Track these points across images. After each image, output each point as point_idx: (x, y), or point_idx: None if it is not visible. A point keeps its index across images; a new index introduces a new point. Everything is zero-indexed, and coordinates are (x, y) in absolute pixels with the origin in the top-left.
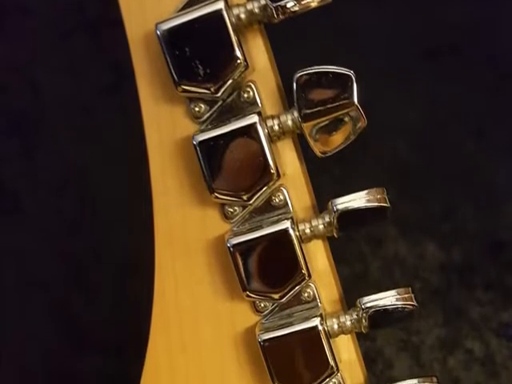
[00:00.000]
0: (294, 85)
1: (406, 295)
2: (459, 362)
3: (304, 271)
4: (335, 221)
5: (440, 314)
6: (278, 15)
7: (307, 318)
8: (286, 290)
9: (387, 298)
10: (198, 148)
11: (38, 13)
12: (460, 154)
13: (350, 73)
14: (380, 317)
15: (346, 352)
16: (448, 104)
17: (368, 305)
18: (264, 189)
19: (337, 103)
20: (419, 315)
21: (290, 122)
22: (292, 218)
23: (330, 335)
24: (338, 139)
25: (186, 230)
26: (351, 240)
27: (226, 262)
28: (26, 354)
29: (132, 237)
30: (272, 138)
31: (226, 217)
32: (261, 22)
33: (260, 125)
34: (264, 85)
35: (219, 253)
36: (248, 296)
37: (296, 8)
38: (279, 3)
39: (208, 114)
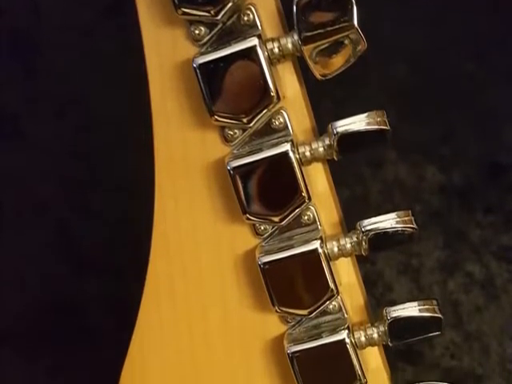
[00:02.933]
0: (294, 7)
1: (406, 218)
2: (459, 284)
3: (304, 194)
4: (335, 143)
5: (440, 236)
6: None
7: (307, 241)
8: (285, 213)
9: (387, 221)
10: (198, 71)
11: None
12: (460, 77)
13: None
14: (380, 239)
15: (345, 275)
16: (448, 26)
17: (368, 227)
18: (264, 111)
19: (337, 26)
20: (419, 238)
21: (290, 45)
22: (292, 141)
23: (329, 258)
24: (337, 62)
25: (185, 153)
26: (351, 163)
27: (226, 184)
28: (25, 278)
29: (132, 160)
30: (272, 61)
31: (226, 140)
32: None
33: (260, 47)
34: (264, 7)
35: (219, 176)
36: (248, 219)
37: None
38: None
39: (208, 37)
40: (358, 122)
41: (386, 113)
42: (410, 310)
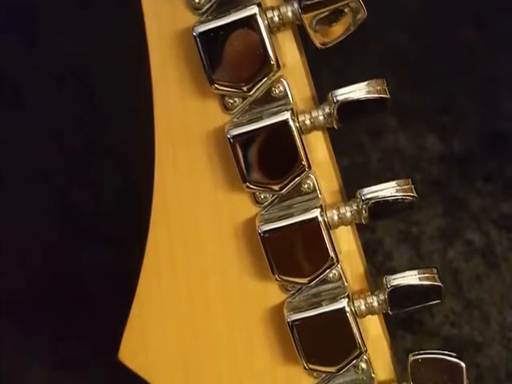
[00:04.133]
0: None
1: (406, 186)
2: (459, 253)
3: (304, 162)
4: (335, 112)
5: (440, 205)
6: None
7: (307, 209)
8: (285, 181)
9: (387, 189)
10: (198, 39)
11: None
12: (460, 45)
13: None
14: (380, 208)
15: (345, 243)
16: None
17: (368, 196)
18: (264, 80)
19: None
20: (419, 206)
21: (290, 14)
22: (292, 109)
23: (329, 226)
24: (337, 30)
25: (186, 122)
26: (351, 131)
27: (226, 153)
28: (25, 247)
29: (132, 128)
30: (272, 30)
31: (226, 108)
32: None
33: (260, 16)
34: None
35: (219, 144)
36: (248, 187)
37: None
38: None
39: (208, 5)
40: (357, 91)
41: (385, 81)
42: (410, 278)
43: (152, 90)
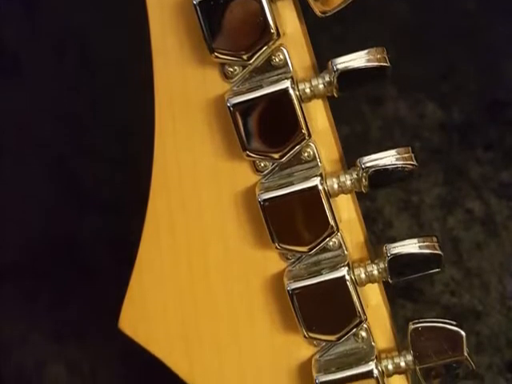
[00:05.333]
0: None
1: (406, 155)
2: (459, 221)
3: (304, 131)
4: (335, 80)
5: (440, 173)
6: None
7: (307, 178)
8: (285, 150)
9: (387, 158)
10: (197, 8)
11: None
12: (460, 14)
13: None
14: (380, 176)
15: (345, 212)
16: None
17: (368, 164)
18: (264, 48)
19: None
20: (419, 175)
21: None
22: (292, 78)
23: (329, 195)
24: None
25: (185, 90)
26: (351, 100)
27: (226, 121)
28: (25, 214)
29: (132, 97)
30: None
31: (226, 76)
32: None
33: None
34: None
35: (219, 112)
36: (248, 156)
37: None
38: None
39: None
40: (357, 59)
41: (386, 50)
42: (410, 246)
43: (152, 58)
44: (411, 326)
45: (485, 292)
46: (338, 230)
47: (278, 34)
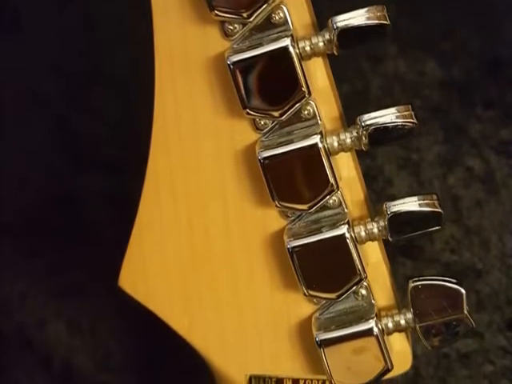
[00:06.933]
0: None
1: (406, 112)
2: (459, 179)
3: (304, 88)
4: (335, 38)
5: (440, 131)
6: None
7: (307, 136)
8: (285, 108)
9: (387, 116)
10: None
11: None
12: None
13: None
14: (380, 134)
15: (345, 169)
16: None
17: (368, 122)
18: (264, 6)
19: None
20: (419, 133)
21: None
22: (292, 36)
23: (329, 153)
24: None
25: (185, 48)
26: (351, 57)
27: (226, 79)
28: (25, 173)
29: (132, 55)
30: None
31: (226, 34)
32: None
33: None
34: None
35: (219, 70)
36: (248, 113)
37: None
38: None
39: None
40: (358, 17)
41: (386, 7)
42: (410, 204)
43: (152, 16)
44: (411, 284)
45: (485, 250)
46: (337, 188)
47: None
